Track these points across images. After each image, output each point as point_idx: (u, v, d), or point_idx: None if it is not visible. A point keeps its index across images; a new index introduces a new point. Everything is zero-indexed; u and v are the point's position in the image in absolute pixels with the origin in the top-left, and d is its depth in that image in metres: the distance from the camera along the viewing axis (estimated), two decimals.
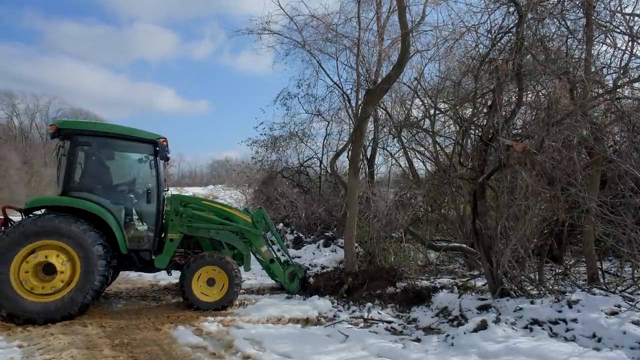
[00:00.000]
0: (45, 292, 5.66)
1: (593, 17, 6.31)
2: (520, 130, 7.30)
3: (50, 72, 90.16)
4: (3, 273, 5.48)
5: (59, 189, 6.32)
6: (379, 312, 6.61)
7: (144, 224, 6.77)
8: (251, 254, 7.58)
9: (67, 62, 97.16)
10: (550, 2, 6.50)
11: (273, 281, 8.30)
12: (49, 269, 5.70)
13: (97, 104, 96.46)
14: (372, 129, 14.23)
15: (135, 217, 6.74)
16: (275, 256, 7.67)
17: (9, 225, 6.08)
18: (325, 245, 11.44)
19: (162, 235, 6.95)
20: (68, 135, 6.32)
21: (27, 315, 5.52)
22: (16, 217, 6.41)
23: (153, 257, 6.74)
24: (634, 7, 6.49)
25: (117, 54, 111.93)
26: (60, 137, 6.38)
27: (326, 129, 16.18)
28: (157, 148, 6.68)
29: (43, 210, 6.21)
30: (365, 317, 6.36)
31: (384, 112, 13.02)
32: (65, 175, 6.24)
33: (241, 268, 7.22)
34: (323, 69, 14.40)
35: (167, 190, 7.23)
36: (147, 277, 8.99)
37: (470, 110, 7.87)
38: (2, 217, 6.26)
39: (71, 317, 5.74)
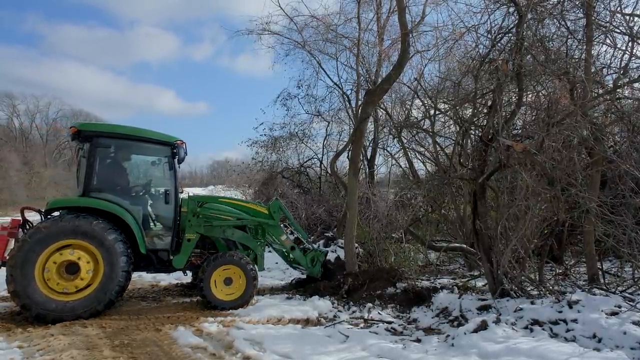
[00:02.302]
0: (56, 289, 5.74)
1: (593, 18, 6.31)
2: (520, 131, 7.30)
3: (52, 75, 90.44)
4: (37, 252, 5.62)
5: (79, 190, 6.42)
6: (379, 313, 6.61)
7: (162, 224, 6.91)
8: (267, 250, 7.81)
9: (69, 65, 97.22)
10: (550, 3, 6.50)
11: (271, 281, 8.30)
12: (72, 269, 5.81)
13: (98, 105, 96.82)
14: (372, 129, 14.24)
15: (153, 217, 6.91)
16: (295, 243, 7.90)
17: (27, 226, 6.17)
18: (326, 245, 11.36)
19: (179, 236, 7.03)
20: (88, 138, 6.40)
21: (27, 301, 5.57)
22: (32, 218, 6.47)
23: (171, 257, 6.85)
24: (634, 7, 6.50)
25: (118, 57, 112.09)
26: (80, 139, 6.44)
27: (326, 130, 16.20)
28: (174, 150, 6.81)
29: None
30: (366, 317, 6.36)
31: (384, 112, 13.03)
32: (85, 177, 6.33)
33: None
34: (323, 69, 14.43)
35: (182, 192, 7.35)
36: (147, 278, 8.99)
37: (470, 110, 7.86)
38: (21, 218, 6.31)
39: (98, 314, 5.92)
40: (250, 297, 6.85)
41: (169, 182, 6.91)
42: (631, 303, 5.17)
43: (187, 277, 8.24)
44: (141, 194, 7.04)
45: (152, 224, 6.88)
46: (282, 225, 8.05)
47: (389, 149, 14.53)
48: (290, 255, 7.99)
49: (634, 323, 4.61)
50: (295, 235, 8.32)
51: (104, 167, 6.59)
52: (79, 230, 5.83)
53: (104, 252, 5.92)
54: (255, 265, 7.20)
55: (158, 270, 6.94)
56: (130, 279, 6.39)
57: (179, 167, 7.26)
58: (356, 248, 8.61)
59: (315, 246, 8.50)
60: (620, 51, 6.50)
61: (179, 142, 6.89)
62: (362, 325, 6.10)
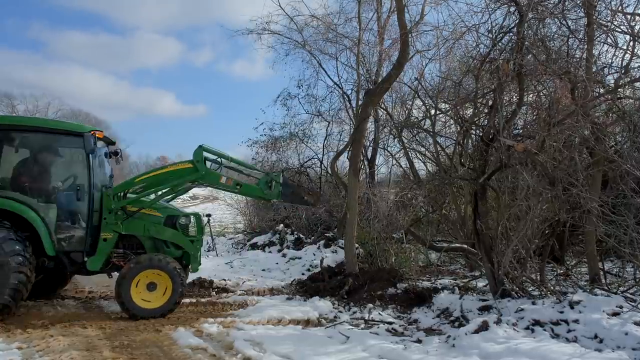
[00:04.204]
0: None
1: (594, 17, 6.29)
2: (521, 131, 7.28)
3: (56, 79, 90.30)
4: None
5: None
6: (379, 313, 6.60)
7: (74, 223, 6.36)
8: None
9: (72, 69, 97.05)
10: (551, 2, 6.48)
11: (271, 282, 8.23)
12: None
13: (99, 107, 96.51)
14: (373, 129, 14.21)
15: (64, 216, 6.31)
16: (239, 180, 7.19)
17: None
18: (326, 246, 11.43)
19: (95, 236, 6.45)
20: None
21: None
22: None
23: (85, 258, 6.29)
24: (635, 6, 6.47)
25: (121, 62, 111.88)
26: None
27: (326, 130, 16.11)
28: (86, 141, 6.08)
29: None
30: (366, 318, 6.34)
31: (384, 112, 12.99)
32: None
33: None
34: (323, 69, 14.33)
35: (110, 188, 6.83)
36: None
37: (471, 110, 7.85)
38: None
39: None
40: (180, 299, 6.32)
41: (81, 176, 6.37)
42: (632, 303, 5.16)
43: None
44: (50, 189, 6.43)
45: (62, 222, 6.26)
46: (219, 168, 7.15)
47: (389, 149, 14.48)
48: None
49: (636, 323, 4.60)
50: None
51: (7, 162, 6.18)
52: None
53: None
54: (191, 266, 6.78)
55: (73, 272, 6.58)
56: (31, 282, 5.83)
57: (119, 160, 6.94)
58: (356, 248, 8.60)
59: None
60: (621, 51, 6.47)
61: (92, 132, 6.29)
62: (362, 325, 6.09)
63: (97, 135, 6.41)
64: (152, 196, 6.69)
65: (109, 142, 7.31)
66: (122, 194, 6.56)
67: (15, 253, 5.58)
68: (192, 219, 7.04)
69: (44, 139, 6.48)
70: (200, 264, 7.00)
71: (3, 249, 5.53)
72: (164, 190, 6.74)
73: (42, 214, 6.04)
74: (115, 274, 6.54)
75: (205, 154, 6.72)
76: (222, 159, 7.11)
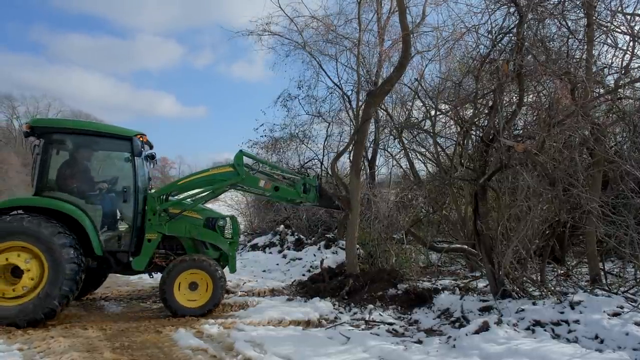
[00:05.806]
0: (17, 295, 5.55)
1: (594, 18, 6.30)
2: (521, 131, 7.28)
3: (57, 81, 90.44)
4: None
5: (33, 189, 6.17)
6: (380, 314, 6.60)
7: (121, 224, 6.53)
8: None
9: (73, 71, 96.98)
10: (551, 3, 6.49)
11: (272, 283, 8.19)
12: (16, 272, 5.58)
13: (100, 108, 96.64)
14: (373, 130, 14.21)
15: (111, 217, 6.51)
16: (277, 183, 7.34)
17: None
18: (327, 247, 11.42)
19: (139, 236, 6.66)
20: (42, 134, 6.21)
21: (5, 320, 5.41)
22: None
23: (131, 258, 6.48)
24: (635, 7, 6.49)
25: (121, 64, 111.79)
26: (34, 135, 6.25)
27: (327, 131, 16.13)
28: (133, 144, 6.39)
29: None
30: (367, 319, 6.34)
31: (384, 113, 13.01)
32: (38, 175, 6.11)
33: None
34: (323, 70, 14.35)
35: (151, 190, 7.05)
36: (148, 280, 8.97)
37: (471, 111, 7.85)
38: None
39: (37, 323, 5.54)
40: (220, 299, 6.55)
41: (127, 178, 6.53)
42: (633, 304, 5.15)
43: None
44: (97, 191, 6.58)
45: (109, 223, 6.45)
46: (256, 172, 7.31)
47: (389, 149, 14.49)
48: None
49: (636, 324, 4.60)
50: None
51: (58, 164, 6.31)
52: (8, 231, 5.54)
53: (37, 243, 5.58)
54: (227, 266, 6.94)
55: (118, 272, 6.71)
56: (83, 262, 5.93)
57: (154, 163, 7.01)
58: (357, 249, 8.59)
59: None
60: (621, 51, 6.48)
61: (138, 135, 6.51)
62: (363, 326, 6.08)
63: (142, 139, 6.65)
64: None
65: (149, 145, 7.43)
66: (164, 196, 6.86)
67: (71, 261, 5.70)
68: (229, 221, 7.32)
69: (92, 142, 6.60)
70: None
71: (62, 256, 5.64)
72: (205, 193, 7.03)
73: (90, 214, 6.21)
74: (153, 274, 6.98)
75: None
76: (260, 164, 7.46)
